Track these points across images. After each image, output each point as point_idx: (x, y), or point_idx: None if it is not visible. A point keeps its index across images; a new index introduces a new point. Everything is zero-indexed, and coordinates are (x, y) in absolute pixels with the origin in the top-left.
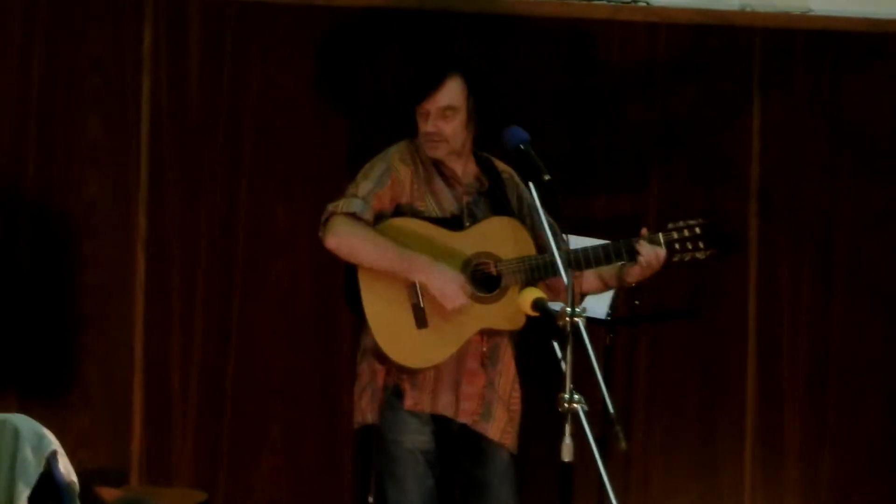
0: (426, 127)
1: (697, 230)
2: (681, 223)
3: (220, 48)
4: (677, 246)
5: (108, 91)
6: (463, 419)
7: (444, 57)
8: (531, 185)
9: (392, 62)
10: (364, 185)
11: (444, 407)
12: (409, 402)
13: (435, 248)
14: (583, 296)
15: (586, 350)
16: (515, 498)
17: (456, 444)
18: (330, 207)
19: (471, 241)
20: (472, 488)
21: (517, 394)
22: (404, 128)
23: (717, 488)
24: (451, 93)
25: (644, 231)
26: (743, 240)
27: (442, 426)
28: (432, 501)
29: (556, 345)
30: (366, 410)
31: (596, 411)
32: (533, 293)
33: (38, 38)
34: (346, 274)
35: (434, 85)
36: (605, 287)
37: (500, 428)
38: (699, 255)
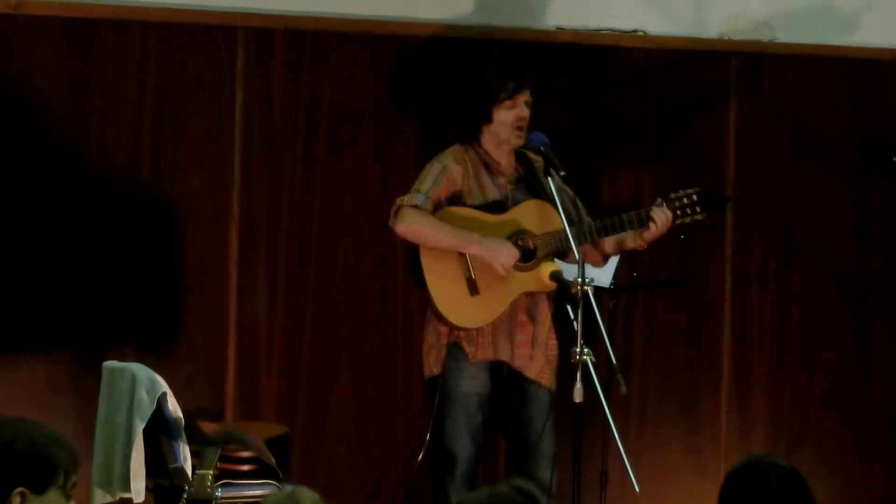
0: (520, 112)
1: (695, 197)
2: (680, 192)
3: (298, 68)
4: (678, 212)
5: (208, 103)
6: (518, 363)
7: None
8: (550, 176)
9: (435, 82)
10: (425, 183)
11: (503, 353)
12: (474, 354)
13: (481, 228)
14: (607, 256)
15: (594, 313)
16: (553, 430)
17: (505, 386)
18: (398, 201)
19: (509, 221)
20: (518, 422)
21: (553, 341)
22: (439, 135)
23: (699, 424)
24: (529, 92)
25: (659, 200)
26: (721, 222)
27: (494, 373)
28: (478, 434)
29: (569, 308)
30: (433, 365)
31: (601, 362)
32: (550, 267)
33: (151, 60)
34: (412, 256)
35: (523, 84)
36: (620, 249)
37: (538, 369)
38: (698, 217)
